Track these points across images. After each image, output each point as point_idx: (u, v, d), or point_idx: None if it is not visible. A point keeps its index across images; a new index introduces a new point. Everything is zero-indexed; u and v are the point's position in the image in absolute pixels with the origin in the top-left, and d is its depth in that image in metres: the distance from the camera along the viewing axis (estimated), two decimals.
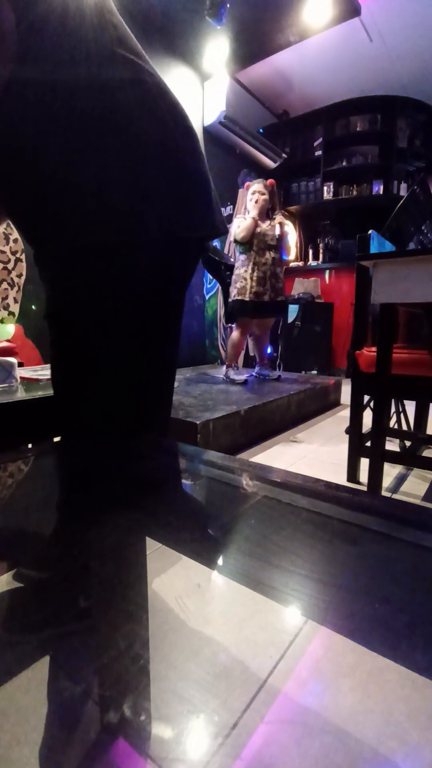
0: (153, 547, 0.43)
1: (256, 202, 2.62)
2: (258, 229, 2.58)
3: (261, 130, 4.48)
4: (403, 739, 0.25)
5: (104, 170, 0.64)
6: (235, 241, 2.64)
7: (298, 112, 4.57)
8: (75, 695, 0.28)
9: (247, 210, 2.72)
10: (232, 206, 4.17)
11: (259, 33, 3.28)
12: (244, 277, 2.59)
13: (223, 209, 4.05)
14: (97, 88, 0.63)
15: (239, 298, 2.58)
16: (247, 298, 2.56)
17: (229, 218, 4.14)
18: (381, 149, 4.36)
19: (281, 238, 2.63)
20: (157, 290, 0.77)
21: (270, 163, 4.33)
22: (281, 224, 2.63)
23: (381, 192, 4.36)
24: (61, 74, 0.61)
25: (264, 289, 2.58)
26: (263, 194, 2.64)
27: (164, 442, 0.79)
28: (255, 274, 2.57)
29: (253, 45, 3.40)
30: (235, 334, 2.70)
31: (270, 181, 2.72)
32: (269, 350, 3.04)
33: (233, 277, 2.68)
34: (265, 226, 2.62)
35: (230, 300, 2.65)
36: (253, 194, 2.65)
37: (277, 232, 2.61)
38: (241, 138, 3.81)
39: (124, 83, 0.66)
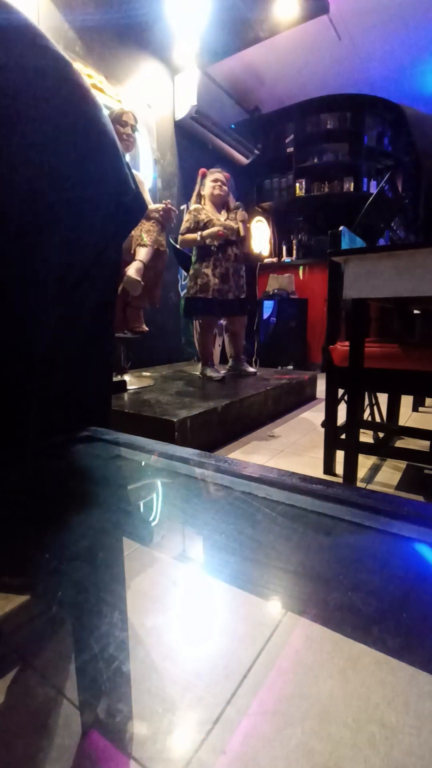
0: (131, 548, 0.42)
1: (217, 192, 2.50)
2: (218, 223, 2.43)
3: (233, 126, 4.47)
4: (382, 722, 0.26)
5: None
6: (181, 233, 2.47)
7: (269, 108, 4.58)
8: (52, 700, 0.27)
9: (202, 196, 2.55)
10: None
11: (230, 28, 3.27)
12: (205, 272, 2.44)
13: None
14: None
15: (201, 295, 2.43)
16: (210, 296, 2.43)
17: None
18: (351, 147, 4.44)
19: (243, 238, 2.52)
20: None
21: (242, 159, 4.33)
22: (244, 222, 2.51)
23: (351, 189, 4.44)
24: None
25: (228, 286, 2.46)
26: (224, 184, 2.53)
27: (140, 440, 0.78)
28: (217, 270, 2.44)
29: (224, 40, 3.39)
30: (200, 334, 2.60)
31: (226, 174, 2.61)
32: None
33: (191, 270, 2.52)
34: (224, 220, 2.48)
35: (188, 296, 2.50)
36: (215, 181, 2.52)
37: (242, 232, 2.48)
38: (212, 133, 3.79)
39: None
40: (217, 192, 2.51)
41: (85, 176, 0.75)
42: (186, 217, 2.49)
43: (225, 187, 2.53)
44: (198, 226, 2.44)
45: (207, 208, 2.52)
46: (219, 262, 2.45)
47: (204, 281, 2.44)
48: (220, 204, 2.55)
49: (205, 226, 2.43)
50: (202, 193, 2.56)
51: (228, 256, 2.47)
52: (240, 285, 2.54)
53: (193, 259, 2.54)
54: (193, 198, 2.60)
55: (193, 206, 2.53)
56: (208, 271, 2.44)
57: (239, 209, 2.57)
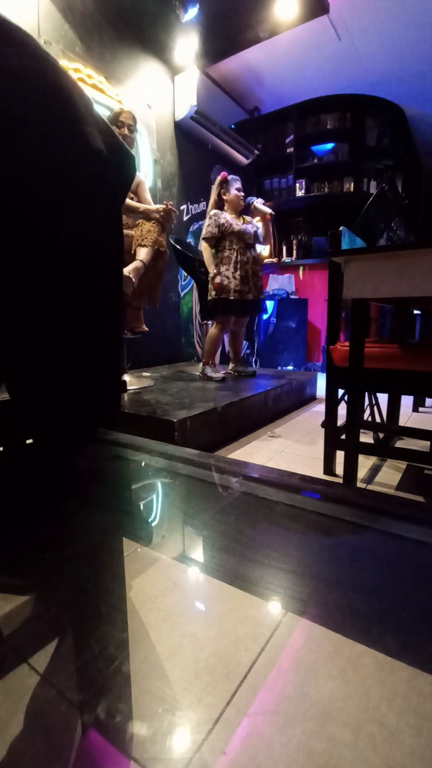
0: (131, 548, 0.42)
1: (242, 203, 2.69)
2: (237, 228, 2.58)
3: (233, 126, 4.47)
4: (382, 723, 0.26)
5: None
6: (204, 238, 2.62)
7: (269, 108, 4.58)
8: (52, 700, 0.27)
9: (226, 201, 2.68)
10: (205, 202, 4.14)
11: (229, 28, 3.27)
12: (226, 275, 2.58)
13: (195, 205, 4.03)
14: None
15: (224, 296, 2.56)
16: (231, 297, 2.56)
17: (202, 215, 4.12)
18: (351, 147, 4.44)
19: (263, 220, 2.67)
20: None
21: (242, 159, 4.33)
22: (265, 203, 2.68)
23: (352, 189, 4.44)
24: None
25: (248, 287, 2.61)
26: (242, 193, 2.70)
27: (141, 441, 0.78)
28: (238, 273, 2.58)
29: (224, 40, 3.39)
30: (213, 331, 2.68)
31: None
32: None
33: (211, 273, 2.65)
34: (243, 225, 2.63)
35: (210, 297, 2.61)
36: (239, 190, 2.68)
37: (256, 222, 2.59)
38: (212, 133, 3.78)
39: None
40: (242, 203, 2.69)
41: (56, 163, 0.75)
42: (207, 221, 2.62)
43: (242, 194, 2.70)
44: (220, 229, 2.57)
45: (227, 212, 2.65)
46: (239, 264, 2.59)
47: (226, 283, 2.57)
48: (238, 210, 2.71)
49: (226, 231, 2.58)
50: (226, 198, 2.68)
51: (248, 258, 2.62)
52: (258, 286, 2.69)
53: (215, 261, 2.68)
54: (213, 203, 2.69)
55: (213, 211, 2.64)
56: (229, 273, 2.58)
57: (253, 202, 2.69)
